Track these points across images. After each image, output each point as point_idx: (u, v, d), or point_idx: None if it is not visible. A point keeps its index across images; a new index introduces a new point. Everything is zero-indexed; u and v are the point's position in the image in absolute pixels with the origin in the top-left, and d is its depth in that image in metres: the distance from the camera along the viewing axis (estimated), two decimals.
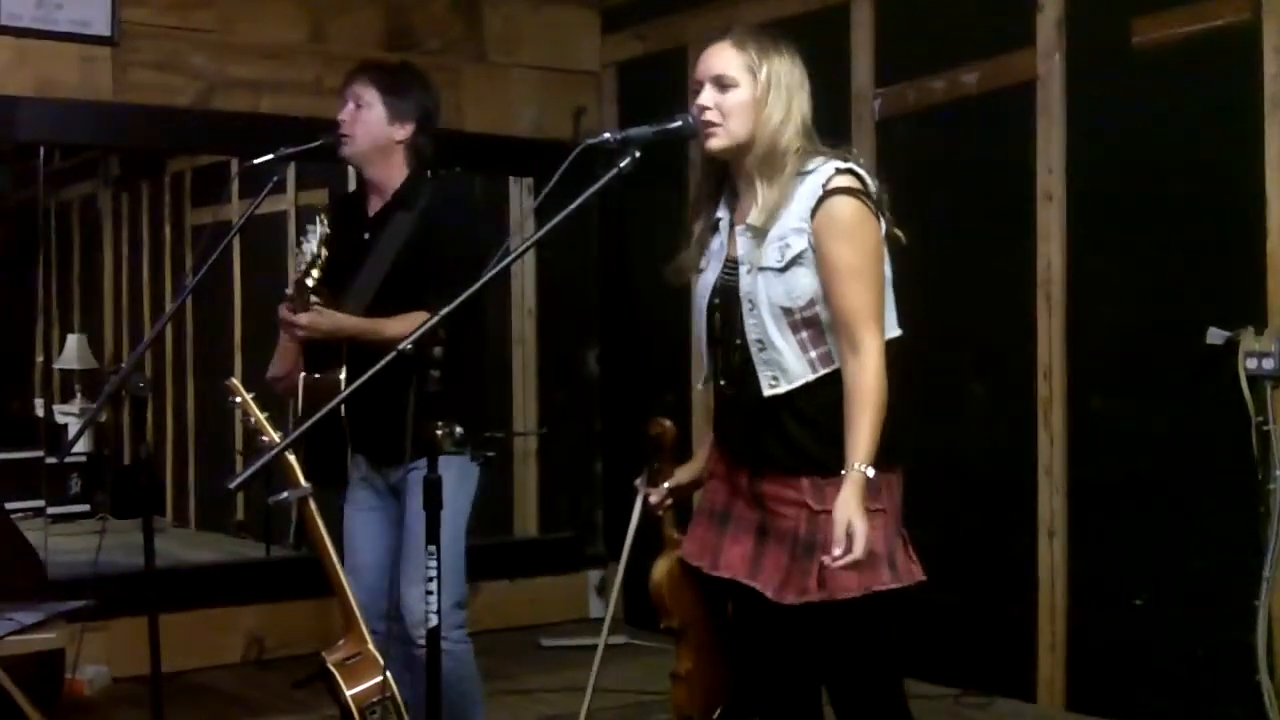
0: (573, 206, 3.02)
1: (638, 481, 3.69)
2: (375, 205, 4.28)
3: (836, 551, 3.00)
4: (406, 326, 3.45)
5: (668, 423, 3.71)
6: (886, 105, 6.02)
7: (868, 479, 3.04)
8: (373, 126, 4.20)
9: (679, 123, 3.19)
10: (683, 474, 3.57)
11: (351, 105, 4.22)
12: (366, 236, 4.21)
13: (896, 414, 3.12)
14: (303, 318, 4.02)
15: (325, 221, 4.02)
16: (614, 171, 3.09)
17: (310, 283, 3.99)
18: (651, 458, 3.68)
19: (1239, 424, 4.80)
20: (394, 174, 4.26)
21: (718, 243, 3.29)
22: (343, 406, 4.03)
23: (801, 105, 3.20)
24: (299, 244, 4.04)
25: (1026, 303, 5.48)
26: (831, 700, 3.31)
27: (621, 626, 6.72)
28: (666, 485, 3.57)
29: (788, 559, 3.16)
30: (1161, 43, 5.12)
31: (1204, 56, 5.02)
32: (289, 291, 4.07)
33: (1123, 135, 5.28)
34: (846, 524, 3.00)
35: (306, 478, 4.05)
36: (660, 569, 3.66)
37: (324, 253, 3.99)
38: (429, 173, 4.33)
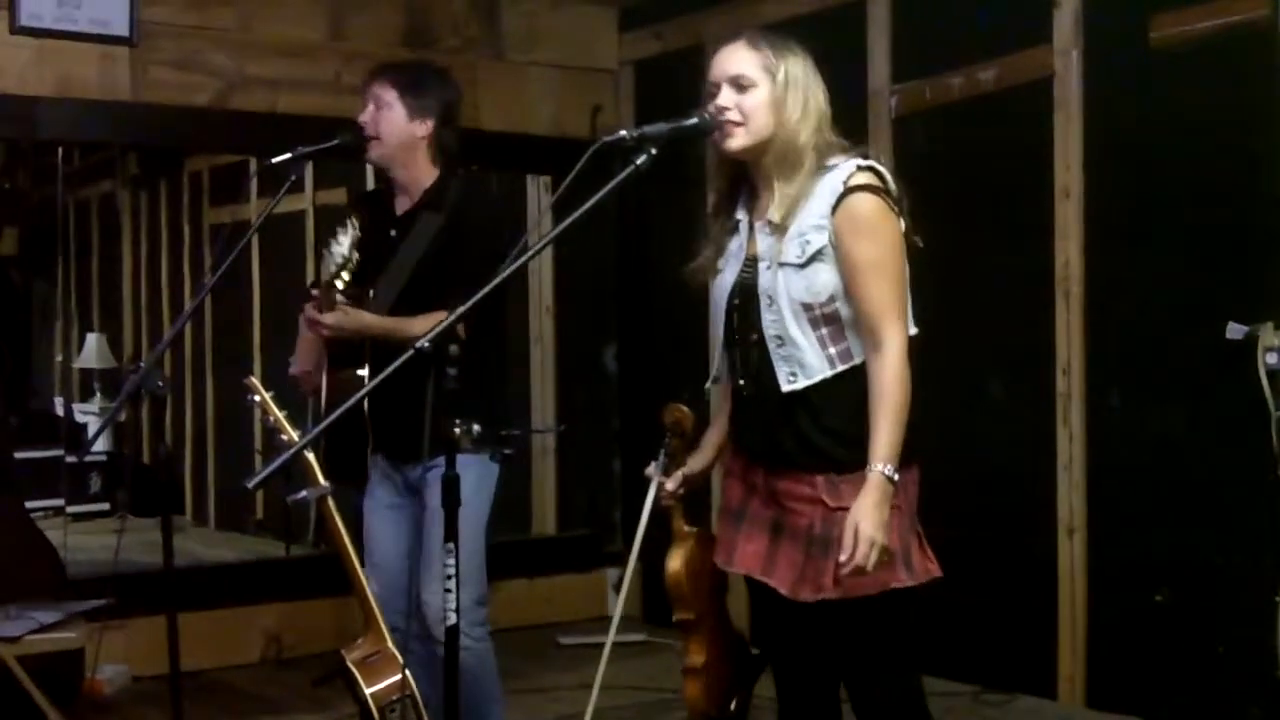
0: (589, 204, 3.02)
1: (649, 469, 3.67)
2: (403, 205, 4.29)
3: (843, 556, 3.01)
4: (430, 326, 3.44)
5: (685, 408, 3.71)
6: (903, 102, 6.01)
7: (889, 481, 3.04)
8: (394, 126, 4.20)
9: (696, 120, 3.19)
10: (694, 462, 3.57)
11: (371, 107, 4.23)
12: (393, 234, 4.22)
13: (913, 414, 3.12)
14: (329, 317, 4.03)
15: (357, 225, 4.03)
16: (630, 169, 3.08)
17: (340, 284, 4.00)
18: (668, 444, 3.68)
19: (1259, 419, 4.79)
20: (421, 173, 4.26)
21: (736, 243, 3.30)
22: (366, 405, 4.06)
23: (818, 102, 3.21)
24: (328, 244, 4.04)
25: (1045, 299, 5.47)
26: (850, 698, 3.31)
27: (639, 624, 6.73)
28: (682, 473, 3.57)
29: (803, 557, 3.16)
30: (1179, 39, 5.11)
31: (1222, 53, 5.01)
32: (315, 291, 4.07)
33: (1141, 131, 5.27)
34: (855, 528, 3.01)
35: (327, 475, 4.05)
36: (678, 559, 3.66)
37: (355, 256, 3.99)
38: (456, 171, 4.33)
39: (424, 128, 4.22)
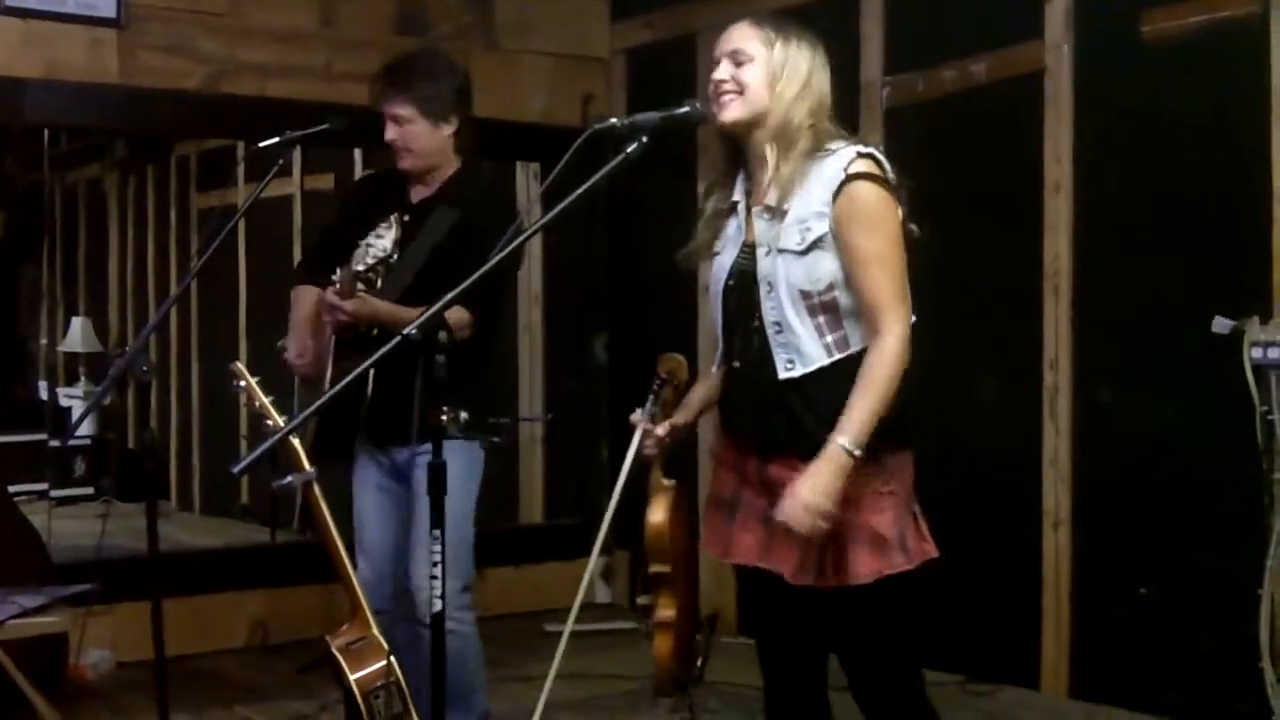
0: (579, 191, 3.02)
1: (635, 415, 3.63)
2: (419, 193, 4.31)
3: (778, 515, 3.04)
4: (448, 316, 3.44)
5: (680, 358, 3.69)
6: (895, 94, 6.01)
7: (847, 455, 3.03)
8: (423, 140, 4.23)
9: (686, 109, 3.20)
10: (679, 416, 3.54)
11: (394, 125, 4.23)
12: (407, 220, 4.23)
13: (908, 396, 3.12)
14: (348, 304, 4.04)
15: (397, 223, 4.05)
16: (621, 157, 3.09)
17: (374, 277, 4.02)
18: (659, 392, 3.66)
19: (1244, 414, 4.81)
20: (448, 167, 4.30)
21: (734, 226, 3.29)
22: (367, 392, 4.07)
23: (819, 85, 3.22)
24: (366, 236, 4.08)
25: (1033, 293, 5.48)
26: (849, 684, 3.30)
27: (627, 613, 6.73)
28: (669, 423, 3.54)
29: (800, 546, 3.15)
30: (1170, 34, 5.11)
31: (1212, 48, 5.02)
32: (339, 276, 4.06)
33: (1131, 126, 5.28)
34: (794, 490, 3.03)
35: (314, 450, 4.05)
36: (660, 511, 3.65)
37: (396, 256, 4.01)
38: (476, 164, 4.36)
39: (450, 127, 4.27)
